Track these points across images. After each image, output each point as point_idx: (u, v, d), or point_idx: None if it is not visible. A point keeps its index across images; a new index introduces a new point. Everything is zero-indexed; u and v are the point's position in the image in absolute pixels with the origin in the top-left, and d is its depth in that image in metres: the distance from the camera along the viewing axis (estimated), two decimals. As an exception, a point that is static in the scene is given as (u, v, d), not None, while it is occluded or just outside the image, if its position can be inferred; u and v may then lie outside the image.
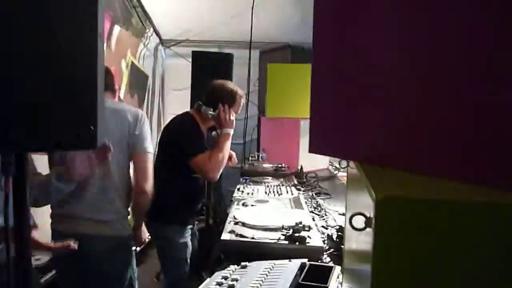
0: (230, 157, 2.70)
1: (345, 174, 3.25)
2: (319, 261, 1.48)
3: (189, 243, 2.50)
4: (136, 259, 2.25)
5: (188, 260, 2.48)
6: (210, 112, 2.42)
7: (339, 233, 1.72)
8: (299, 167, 3.30)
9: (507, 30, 0.65)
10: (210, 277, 1.32)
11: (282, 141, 3.63)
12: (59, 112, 0.90)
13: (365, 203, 0.72)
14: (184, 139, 2.39)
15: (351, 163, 0.98)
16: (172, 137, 2.47)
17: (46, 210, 2.10)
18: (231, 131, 2.43)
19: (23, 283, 0.97)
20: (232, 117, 2.44)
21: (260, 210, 2.07)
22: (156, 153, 2.54)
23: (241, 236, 1.61)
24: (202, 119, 2.47)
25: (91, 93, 0.92)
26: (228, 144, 2.41)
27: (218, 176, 2.38)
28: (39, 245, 1.72)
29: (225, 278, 1.27)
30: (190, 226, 2.53)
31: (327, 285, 1.22)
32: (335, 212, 2.19)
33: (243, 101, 2.58)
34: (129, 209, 2.12)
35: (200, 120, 2.47)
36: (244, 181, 2.95)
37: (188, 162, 2.31)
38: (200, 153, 2.31)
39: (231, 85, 2.54)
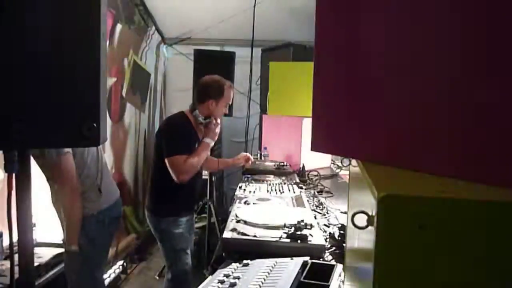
0: (247, 159, 3.02)
1: (347, 172, 3.26)
2: (321, 259, 1.48)
3: (187, 235, 2.55)
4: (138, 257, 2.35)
5: (188, 251, 2.51)
6: (201, 119, 2.53)
7: (341, 232, 1.72)
8: (301, 166, 3.29)
9: (507, 31, 0.65)
10: (212, 275, 1.33)
11: (284, 140, 3.63)
12: (62, 109, 0.91)
13: (367, 201, 0.72)
14: (166, 138, 2.49)
15: (353, 161, 0.98)
16: (160, 134, 2.58)
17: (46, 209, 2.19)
18: (212, 143, 2.54)
19: (26, 280, 0.98)
20: (217, 130, 2.54)
21: (262, 208, 2.07)
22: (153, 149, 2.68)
23: (243, 234, 1.61)
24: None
25: (93, 91, 0.92)
26: (205, 153, 2.52)
27: (186, 181, 2.43)
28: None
29: (227, 276, 1.27)
30: (186, 218, 2.57)
31: (329, 283, 1.23)
32: (337, 210, 2.19)
33: (232, 91, 2.66)
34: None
35: (193, 119, 2.55)
36: (246, 179, 2.95)
37: (165, 159, 2.39)
38: (176, 154, 2.38)
39: (217, 78, 2.61)
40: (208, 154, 2.62)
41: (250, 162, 3.07)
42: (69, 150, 2.00)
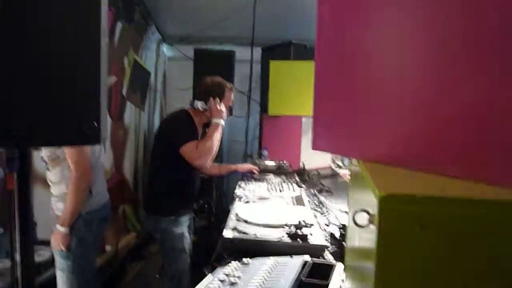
0: (251, 171, 3.08)
1: (347, 171, 3.26)
2: (321, 258, 1.49)
3: (186, 234, 2.55)
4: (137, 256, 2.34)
5: (188, 251, 2.52)
6: (200, 106, 2.53)
7: (342, 231, 1.72)
8: (301, 165, 3.30)
9: (505, 30, 0.65)
10: (212, 273, 1.32)
11: (284, 139, 3.63)
12: (63, 107, 0.91)
13: (368, 200, 0.72)
14: (175, 130, 2.50)
15: (353, 161, 0.98)
16: (165, 130, 2.58)
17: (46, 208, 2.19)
18: (221, 121, 2.52)
19: (27, 277, 0.98)
20: (222, 108, 2.55)
21: (262, 207, 2.07)
22: (152, 148, 2.67)
23: (244, 233, 1.61)
24: (197, 115, 2.57)
25: (94, 89, 0.92)
26: (217, 134, 2.49)
27: (207, 164, 2.45)
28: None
29: (228, 275, 1.27)
30: (186, 217, 2.58)
31: (329, 282, 1.23)
32: (337, 210, 2.19)
33: (232, 93, 2.69)
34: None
35: (194, 116, 2.56)
36: (246, 178, 2.96)
37: (178, 151, 2.39)
38: (187, 141, 2.40)
39: (219, 79, 2.65)
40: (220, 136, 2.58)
41: (255, 172, 3.11)
42: None
